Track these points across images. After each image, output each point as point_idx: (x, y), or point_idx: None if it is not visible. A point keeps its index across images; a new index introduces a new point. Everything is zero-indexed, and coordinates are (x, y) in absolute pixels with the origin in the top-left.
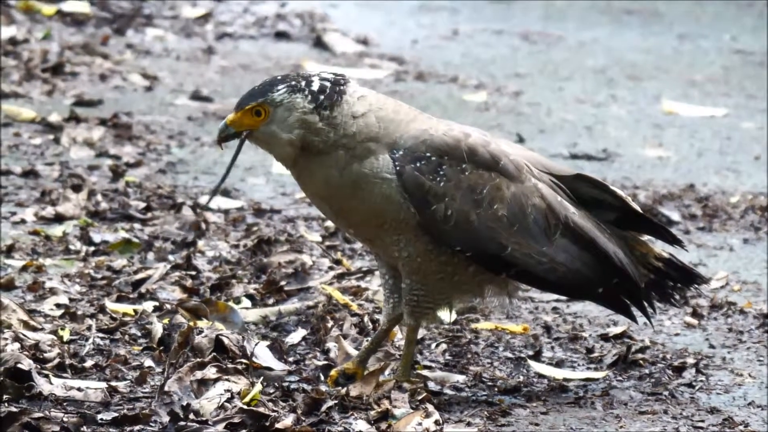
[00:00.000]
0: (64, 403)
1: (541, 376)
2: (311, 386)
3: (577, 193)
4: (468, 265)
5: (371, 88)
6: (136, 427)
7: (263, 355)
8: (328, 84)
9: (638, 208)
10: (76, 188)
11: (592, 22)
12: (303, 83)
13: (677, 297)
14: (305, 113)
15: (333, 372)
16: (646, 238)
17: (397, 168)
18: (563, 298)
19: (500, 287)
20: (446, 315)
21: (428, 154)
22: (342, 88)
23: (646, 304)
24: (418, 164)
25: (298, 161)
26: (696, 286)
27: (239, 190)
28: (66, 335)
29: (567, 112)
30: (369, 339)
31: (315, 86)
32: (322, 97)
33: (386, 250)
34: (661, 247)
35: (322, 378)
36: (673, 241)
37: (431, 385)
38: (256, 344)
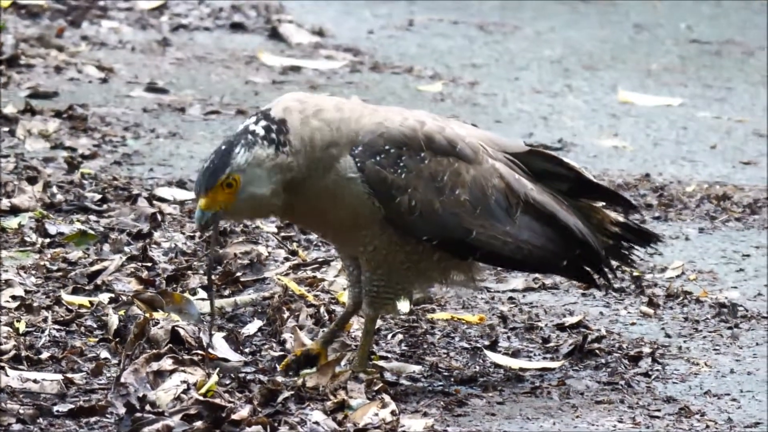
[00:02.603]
0: (20, 395)
1: (497, 366)
2: (267, 377)
3: (530, 168)
4: (433, 253)
5: (327, 79)
6: (93, 419)
7: (219, 346)
8: (266, 121)
9: (592, 177)
10: (32, 180)
11: (548, 12)
12: (250, 136)
13: (634, 258)
14: (273, 159)
15: (297, 351)
16: (599, 204)
17: (359, 165)
18: (519, 288)
19: (465, 271)
20: (403, 305)
21: (387, 147)
22: (273, 115)
23: (607, 271)
24: (378, 158)
25: (287, 204)
26: (652, 244)
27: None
28: (22, 327)
29: (523, 102)
30: (333, 321)
31: (261, 130)
32: (273, 135)
33: (352, 245)
34: (615, 212)
35: (278, 368)
36: (628, 206)
37: (387, 375)
38: (212, 335)
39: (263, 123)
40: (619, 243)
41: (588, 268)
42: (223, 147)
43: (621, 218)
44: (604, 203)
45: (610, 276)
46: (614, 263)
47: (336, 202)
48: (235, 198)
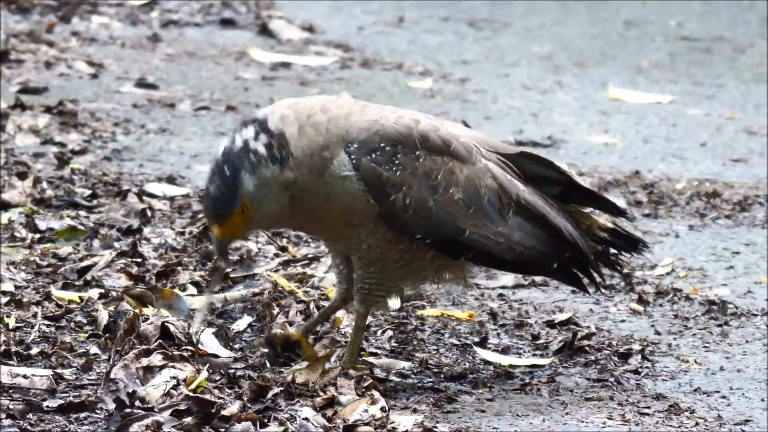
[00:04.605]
0: (10, 391)
1: (487, 362)
2: (257, 373)
3: (521, 170)
4: (426, 251)
5: (317, 75)
6: (82, 414)
7: (209, 342)
8: (265, 135)
9: (583, 183)
10: (22, 175)
11: (538, 9)
12: (252, 156)
13: (621, 264)
14: (278, 177)
15: (278, 335)
16: (588, 210)
17: (354, 162)
18: (509, 285)
19: (456, 271)
20: (394, 302)
21: (382, 145)
22: (272, 127)
23: (596, 275)
24: (373, 155)
25: (293, 212)
26: (640, 250)
27: (185, 178)
28: (11, 322)
29: (513, 98)
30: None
31: (263, 149)
32: (275, 151)
33: (345, 243)
34: (604, 218)
35: (268, 364)
36: (617, 212)
37: (377, 371)
38: (201, 331)
39: (263, 139)
40: (608, 249)
41: (577, 272)
42: (227, 171)
43: (610, 224)
44: (592, 209)
45: (598, 280)
46: (603, 269)
47: (330, 201)
48: (248, 219)
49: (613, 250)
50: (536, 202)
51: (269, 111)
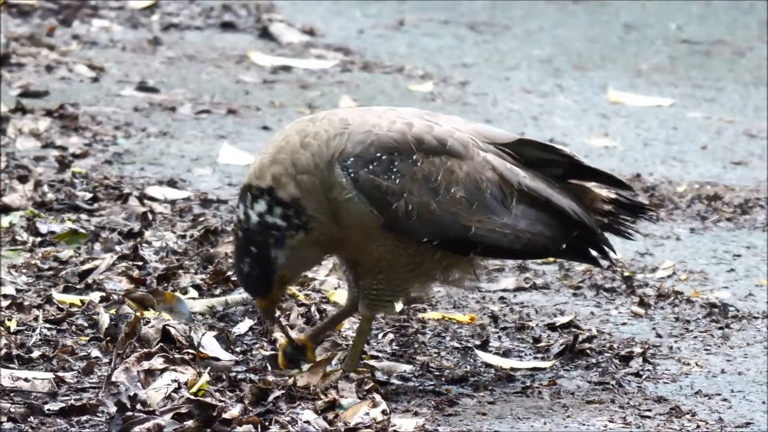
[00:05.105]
0: (11, 394)
1: (488, 365)
2: (258, 376)
3: (523, 157)
4: (434, 253)
5: (317, 78)
6: (84, 418)
7: (210, 345)
8: (280, 207)
9: (585, 161)
10: (23, 179)
11: (538, 11)
12: (275, 232)
13: (630, 231)
14: (306, 239)
15: (282, 342)
16: (591, 184)
17: (352, 176)
18: (510, 287)
19: (465, 267)
20: (397, 305)
21: (378, 154)
22: (284, 196)
23: (606, 248)
24: (370, 167)
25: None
26: (646, 216)
27: (186, 181)
28: (13, 326)
29: (513, 101)
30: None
31: (281, 221)
32: (295, 220)
33: (355, 254)
34: (605, 190)
35: (270, 368)
36: (622, 187)
37: (378, 374)
38: (203, 334)
39: (278, 210)
40: (613, 219)
41: (588, 248)
42: (254, 249)
43: (612, 194)
44: (594, 183)
45: (609, 253)
46: (612, 239)
47: (343, 226)
48: (288, 282)
49: (619, 219)
50: (538, 186)
51: (260, 171)
